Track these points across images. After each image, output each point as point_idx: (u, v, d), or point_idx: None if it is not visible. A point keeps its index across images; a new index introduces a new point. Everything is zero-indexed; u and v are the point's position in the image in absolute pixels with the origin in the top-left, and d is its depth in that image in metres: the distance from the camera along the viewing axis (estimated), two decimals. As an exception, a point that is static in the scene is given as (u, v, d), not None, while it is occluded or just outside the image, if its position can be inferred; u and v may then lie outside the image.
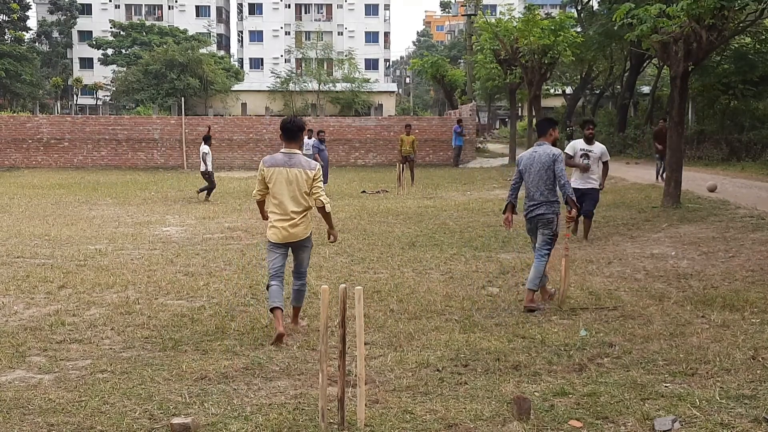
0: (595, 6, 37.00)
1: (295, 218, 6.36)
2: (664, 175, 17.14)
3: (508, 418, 4.45)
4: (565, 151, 10.23)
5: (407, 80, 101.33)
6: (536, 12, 27.36)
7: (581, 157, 11.02)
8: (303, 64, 65.19)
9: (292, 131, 6.37)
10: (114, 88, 62.50)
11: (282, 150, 6.39)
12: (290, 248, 6.57)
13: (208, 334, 6.41)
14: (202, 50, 60.79)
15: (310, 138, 20.32)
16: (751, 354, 5.53)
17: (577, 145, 11.21)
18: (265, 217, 6.73)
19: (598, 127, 39.42)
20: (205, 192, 18.45)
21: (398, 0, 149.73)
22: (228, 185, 23.06)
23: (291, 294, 6.72)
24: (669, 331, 6.24)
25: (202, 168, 18.24)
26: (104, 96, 73.59)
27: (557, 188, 7.29)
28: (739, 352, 5.59)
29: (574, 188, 9.40)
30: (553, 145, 7.47)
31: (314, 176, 6.32)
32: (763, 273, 8.57)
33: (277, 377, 5.33)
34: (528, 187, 7.44)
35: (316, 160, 19.79)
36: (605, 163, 11.17)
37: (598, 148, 11.13)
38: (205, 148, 18.13)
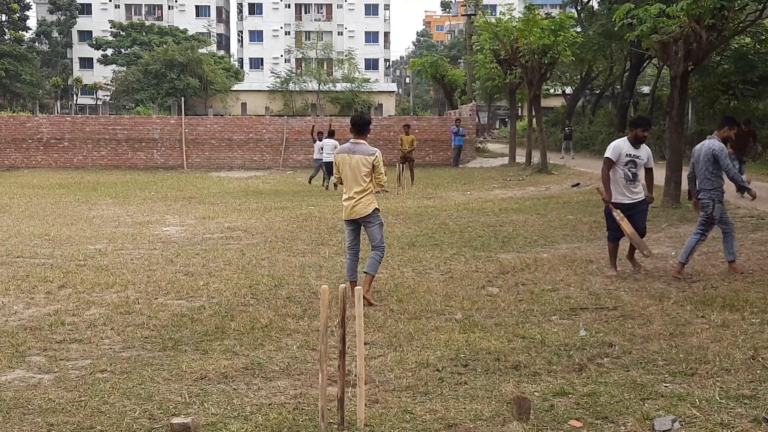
0: (595, 6, 36.98)
1: (355, 197, 7.43)
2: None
3: (508, 418, 4.45)
4: (607, 155, 8.61)
5: (407, 80, 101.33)
6: (536, 12, 27.33)
7: (626, 165, 8.59)
8: (303, 64, 65.25)
9: (359, 125, 7.56)
10: (114, 88, 62.51)
11: (351, 140, 7.57)
12: (361, 225, 7.66)
13: (208, 334, 6.41)
14: (202, 50, 60.82)
15: (330, 136, 20.75)
16: (751, 354, 5.53)
17: (623, 147, 8.64)
18: None
19: (597, 127, 39.56)
20: (327, 179, 20.71)
21: (398, 0, 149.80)
22: (228, 185, 23.07)
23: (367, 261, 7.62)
24: (669, 331, 6.24)
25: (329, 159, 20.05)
26: (104, 96, 73.57)
27: (717, 177, 8.35)
28: (739, 352, 5.59)
29: (618, 203, 8.61)
30: (723, 141, 8.45)
31: (373, 162, 7.41)
32: (763, 273, 8.57)
33: (277, 377, 5.33)
34: (697, 174, 8.54)
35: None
36: (650, 170, 8.87)
37: (645, 152, 8.70)
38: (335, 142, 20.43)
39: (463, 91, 41.68)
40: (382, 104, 55.80)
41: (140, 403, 4.81)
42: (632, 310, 6.99)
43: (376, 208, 7.50)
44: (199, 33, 72.81)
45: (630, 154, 8.57)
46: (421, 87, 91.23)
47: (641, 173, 8.70)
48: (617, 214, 8.56)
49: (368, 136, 7.65)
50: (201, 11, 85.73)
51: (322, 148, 21.12)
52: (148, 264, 9.63)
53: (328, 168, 20.38)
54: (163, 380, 5.24)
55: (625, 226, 8.53)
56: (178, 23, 79.12)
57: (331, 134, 21.44)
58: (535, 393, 4.87)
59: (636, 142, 8.59)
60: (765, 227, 11.72)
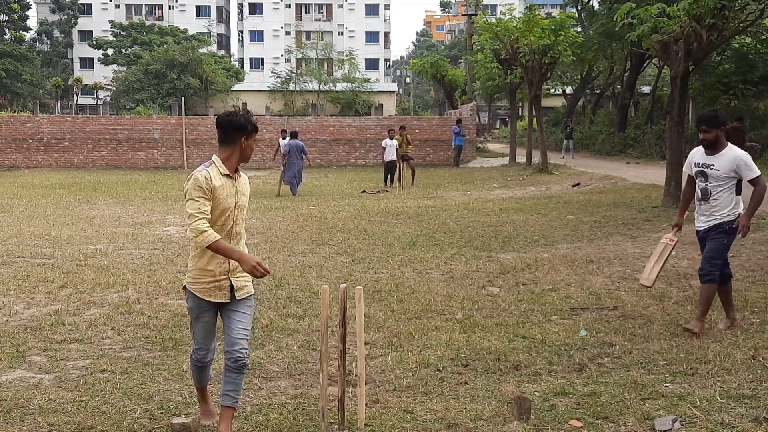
0: (596, 6, 36.98)
1: None
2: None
3: (509, 418, 4.45)
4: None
5: (407, 80, 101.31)
6: (536, 12, 27.32)
7: (697, 177, 6.40)
8: (303, 64, 65.21)
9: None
10: (114, 88, 62.50)
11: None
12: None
13: (208, 333, 6.40)
14: (203, 50, 60.79)
15: (285, 138, 20.90)
16: (751, 354, 5.54)
17: (693, 155, 6.50)
18: None
19: (597, 127, 39.55)
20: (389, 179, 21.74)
21: (398, 0, 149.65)
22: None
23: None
24: (669, 331, 6.24)
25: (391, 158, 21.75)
26: (104, 96, 73.59)
27: None
28: (739, 352, 5.59)
29: (697, 229, 6.48)
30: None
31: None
32: (763, 273, 8.57)
33: (277, 377, 5.33)
34: None
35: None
36: (755, 183, 6.15)
37: (725, 160, 6.23)
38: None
39: (464, 91, 41.65)
40: (382, 104, 55.78)
41: (141, 403, 4.81)
42: (633, 310, 6.99)
43: (184, 285, 4.33)
44: (200, 33, 72.79)
45: (699, 163, 6.37)
46: (421, 87, 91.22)
47: (721, 189, 6.22)
48: (664, 240, 6.64)
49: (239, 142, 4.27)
50: (201, 11, 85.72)
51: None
52: (149, 264, 9.63)
53: (388, 167, 21.87)
54: (164, 380, 5.24)
55: (654, 259, 6.62)
56: (179, 23, 79.10)
57: (293, 135, 20.67)
58: (536, 393, 4.87)
59: (706, 147, 6.31)
60: (765, 227, 11.71)
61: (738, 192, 6.21)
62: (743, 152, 6.25)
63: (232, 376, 4.20)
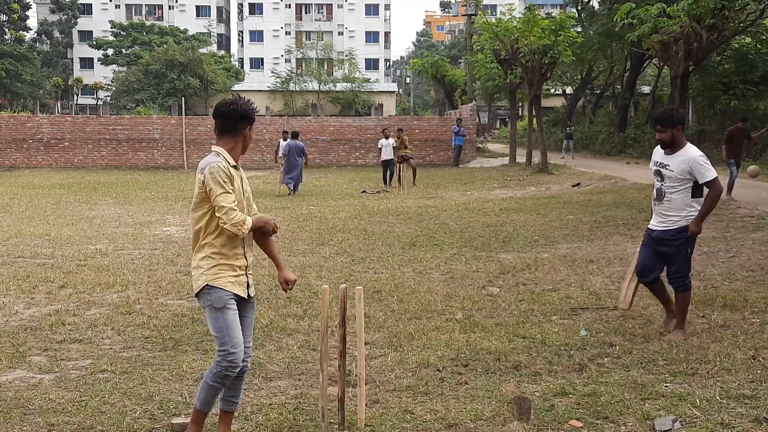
0: (596, 6, 37.00)
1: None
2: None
3: (509, 418, 4.45)
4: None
5: (407, 80, 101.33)
6: (536, 12, 27.33)
7: (655, 174, 6.26)
8: (303, 64, 65.25)
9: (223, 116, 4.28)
10: (114, 88, 62.55)
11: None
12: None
13: (208, 333, 6.38)
14: (203, 50, 60.85)
15: (286, 140, 20.97)
16: (751, 354, 5.53)
17: (656, 152, 6.34)
18: None
19: (597, 127, 39.58)
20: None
21: (398, 0, 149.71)
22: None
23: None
24: (669, 331, 6.23)
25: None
26: (105, 96, 73.62)
27: None
28: (739, 352, 5.59)
29: (650, 229, 6.33)
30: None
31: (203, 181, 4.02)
32: (763, 273, 8.56)
33: (277, 377, 5.33)
34: None
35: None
36: (709, 186, 5.96)
37: (681, 161, 5.99)
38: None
39: (464, 91, 41.66)
40: (382, 104, 55.82)
41: (141, 403, 4.81)
42: (633, 310, 6.98)
43: (206, 284, 4.04)
44: (200, 33, 72.82)
45: (657, 162, 6.21)
46: (421, 87, 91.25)
47: (674, 191, 6.01)
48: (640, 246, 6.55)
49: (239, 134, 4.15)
50: (201, 11, 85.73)
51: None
52: (149, 264, 9.63)
53: (385, 166, 22.26)
54: (164, 380, 5.24)
55: (629, 276, 6.66)
56: (179, 23, 79.13)
57: (294, 135, 20.69)
58: (536, 393, 4.87)
59: (663, 147, 6.13)
60: (765, 227, 11.71)
61: (696, 195, 5.99)
62: (699, 153, 6.01)
63: (234, 382, 4.19)
